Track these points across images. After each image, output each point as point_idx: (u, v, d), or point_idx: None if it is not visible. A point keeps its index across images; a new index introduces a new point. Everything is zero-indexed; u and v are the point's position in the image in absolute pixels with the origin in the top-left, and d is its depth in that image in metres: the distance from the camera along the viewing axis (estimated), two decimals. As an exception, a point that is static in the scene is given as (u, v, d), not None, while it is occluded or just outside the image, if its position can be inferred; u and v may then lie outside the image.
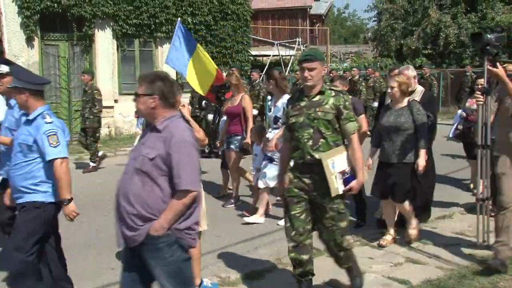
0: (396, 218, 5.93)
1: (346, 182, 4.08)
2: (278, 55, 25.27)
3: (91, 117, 10.30)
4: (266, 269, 5.17)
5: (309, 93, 4.17)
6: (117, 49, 15.69)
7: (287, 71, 21.72)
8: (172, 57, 8.20)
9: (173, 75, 12.29)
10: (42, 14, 14.24)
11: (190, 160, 3.14)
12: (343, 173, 4.06)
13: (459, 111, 8.54)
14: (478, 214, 5.52)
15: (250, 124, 7.26)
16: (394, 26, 24.69)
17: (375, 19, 28.90)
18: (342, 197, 4.12)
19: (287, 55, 25.70)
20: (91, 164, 10.48)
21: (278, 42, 26.51)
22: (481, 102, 4.88)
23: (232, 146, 7.40)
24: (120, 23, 15.37)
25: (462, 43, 23.22)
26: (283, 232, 5.60)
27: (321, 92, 4.16)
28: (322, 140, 4.06)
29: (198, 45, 8.43)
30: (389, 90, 5.66)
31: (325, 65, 16.54)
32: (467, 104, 8.07)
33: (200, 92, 8.28)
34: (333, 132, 4.09)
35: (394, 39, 24.65)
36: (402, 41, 24.41)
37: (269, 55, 25.47)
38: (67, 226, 4.71)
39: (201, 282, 4.62)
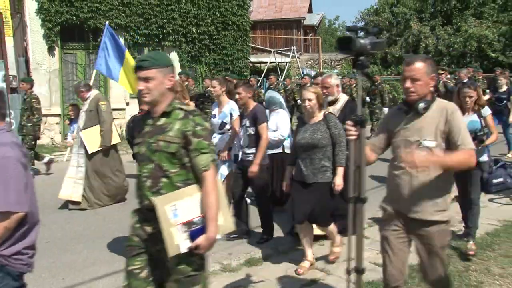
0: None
1: (196, 236, 2.74)
2: (275, 62, 25.27)
3: (29, 125, 9.47)
4: (264, 256, 5.22)
5: (153, 114, 2.84)
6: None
7: (283, 76, 21.74)
8: (101, 62, 7.91)
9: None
10: (62, 26, 14.32)
11: (10, 178, 2.52)
12: (189, 223, 2.73)
13: None
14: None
15: None
16: (379, 36, 24.72)
17: (362, 29, 28.88)
18: (192, 255, 2.76)
19: (282, 62, 25.72)
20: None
21: (275, 50, 26.53)
22: (354, 136, 2.88)
23: None
24: (131, 33, 15.43)
25: (440, 52, 23.27)
26: (278, 223, 5.64)
27: (166, 114, 2.79)
28: (164, 179, 2.75)
29: (127, 51, 8.13)
30: (306, 104, 4.59)
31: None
32: None
33: (135, 93, 7.68)
34: (182, 168, 2.76)
35: (379, 48, 24.69)
36: (386, 50, 24.45)
37: (267, 62, 25.46)
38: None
39: None
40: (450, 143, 2.98)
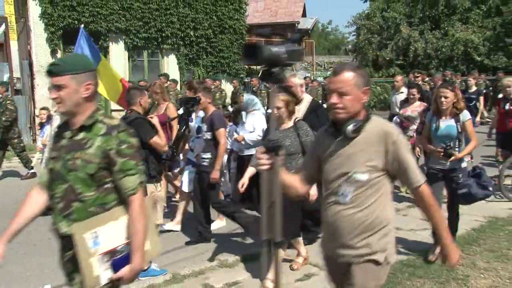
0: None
1: (119, 265, 2.32)
2: (270, 65, 25.32)
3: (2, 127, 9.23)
4: (260, 252, 5.24)
5: (71, 126, 2.40)
6: (128, 59, 15.79)
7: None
8: None
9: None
10: (64, 30, 14.35)
11: None
12: (112, 252, 2.32)
13: (395, 118, 7.89)
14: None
15: (175, 133, 6.05)
16: (370, 39, 24.80)
17: (354, 33, 29.00)
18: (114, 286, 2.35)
19: (277, 65, 25.73)
20: (28, 171, 9.57)
21: (270, 53, 26.53)
22: (266, 166, 2.22)
23: None
24: (131, 37, 15.47)
25: (428, 55, 23.39)
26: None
27: (85, 127, 2.35)
28: (76, 203, 2.31)
29: (103, 56, 7.94)
30: (274, 111, 3.80)
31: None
32: (401, 111, 7.55)
33: (112, 100, 7.63)
34: (100, 191, 2.33)
35: (371, 51, 24.77)
36: (378, 53, 24.54)
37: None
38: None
39: (149, 266, 4.58)
40: (396, 176, 2.42)
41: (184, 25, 16.27)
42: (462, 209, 6.57)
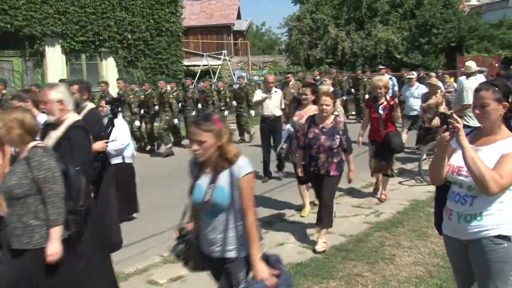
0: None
1: None
2: (207, 65, 25.19)
3: None
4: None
5: None
6: (66, 63, 15.17)
7: (215, 78, 21.71)
8: None
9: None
10: (-3, 34, 13.50)
11: None
12: None
13: (288, 126, 6.26)
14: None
15: None
16: (302, 40, 25.21)
17: (287, 34, 29.37)
18: None
19: (215, 65, 25.68)
20: None
21: (207, 54, 26.41)
22: None
23: None
24: (68, 40, 14.87)
25: (355, 53, 24.15)
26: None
27: None
28: None
29: None
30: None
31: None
32: (294, 118, 5.89)
33: None
34: None
35: (302, 50, 25.18)
36: (309, 52, 24.98)
37: (200, 65, 25.31)
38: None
39: None
40: None
41: (121, 28, 15.85)
42: (391, 194, 6.91)
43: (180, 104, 11.50)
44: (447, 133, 2.48)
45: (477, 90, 2.57)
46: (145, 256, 5.03)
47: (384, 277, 4.22)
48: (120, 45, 15.98)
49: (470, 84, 6.96)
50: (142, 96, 11.25)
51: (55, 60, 14.80)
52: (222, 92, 12.64)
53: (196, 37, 31.30)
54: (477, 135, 2.65)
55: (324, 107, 4.94)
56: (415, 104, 9.14)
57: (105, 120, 5.02)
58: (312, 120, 5.10)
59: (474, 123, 6.96)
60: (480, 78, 7.20)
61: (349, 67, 23.89)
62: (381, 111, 6.26)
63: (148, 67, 16.70)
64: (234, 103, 12.44)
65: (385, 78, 6.92)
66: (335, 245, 5.01)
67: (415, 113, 9.22)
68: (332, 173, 4.94)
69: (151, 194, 7.26)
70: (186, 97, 11.77)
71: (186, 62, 22.46)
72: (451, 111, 7.59)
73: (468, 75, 7.52)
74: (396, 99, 6.45)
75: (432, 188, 2.88)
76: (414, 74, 10.31)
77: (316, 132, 4.98)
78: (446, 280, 4.03)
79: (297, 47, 25.34)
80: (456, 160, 2.62)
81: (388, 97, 6.43)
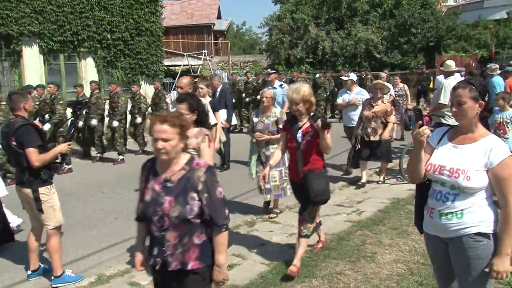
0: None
1: None
2: (188, 65, 25.07)
3: None
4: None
5: None
6: (44, 63, 14.84)
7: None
8: None
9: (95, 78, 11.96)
10: (-29, 33, 13.16)
11: None
12: None
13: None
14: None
15: None
16: (282, 39, 25.29)
17: (267, 33, 29.45)
18: None
19: (195, 64, 25.58)
20: None
21: (188, 53, 26.29)
22: None
23: None
24: (45, 40, 14.55)
25: (335, 53, 24.32)
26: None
27: None
28: None
29: None
30: None
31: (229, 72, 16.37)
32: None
33: None
34: None
35: (283, 50, 25.26)
36: (289, 52, 25.07)
37: (180, 65, 25.18)
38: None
39: (63, 272, 4.43)
40: None
41: (100, 28, 15.61)
42: (372, 192, 6.97)
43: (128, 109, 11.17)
44: (422, 128, 2.51)
45: (454, 89, 2.61)
46: (126, 258, 4.97)
47: (366, 275, 4.25)
48: (99, 45, 15.75)
49: (451, 83, 7.06)
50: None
51: (33, 60, 14.50)
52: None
53: (176, 37, 31.13)
54: (455, 133, 2.69)
55: (159, 144, 2.51)
56: (354, 112, 7.93)
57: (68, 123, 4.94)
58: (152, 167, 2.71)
59: (453, 121, 7.11)
60: (458, 78, 7.31)
61: (329, 67, 24.06)
62: (299, 138, 4.20)
63: (128, 67, 16.50)
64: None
65: (304, 88, 4.23)
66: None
67: (354, 123, 7.75)
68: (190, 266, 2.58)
69: (130, 194, 7.19)
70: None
71: (166, 62, 22.31)
72: (427, 110, 7.72)
73: (447, 74, 7.62)
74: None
75: (413, 186, 2.90)
76: (353, 76, 8.60)
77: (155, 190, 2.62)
78: (427, 277, 4.07)
79: (278, 46, 25.41)
80: (436, 159, 2.65)
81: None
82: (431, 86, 15.99)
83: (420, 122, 2.52)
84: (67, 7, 14.78)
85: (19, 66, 14.30)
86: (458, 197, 2.55)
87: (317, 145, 4.18)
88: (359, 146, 7.34)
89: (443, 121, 7.14)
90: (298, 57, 24.66)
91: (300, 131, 4.23)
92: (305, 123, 4.24)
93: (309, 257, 4.68)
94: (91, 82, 11.12)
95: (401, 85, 11.96)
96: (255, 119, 6.08)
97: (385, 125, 7.24)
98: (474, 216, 2.53)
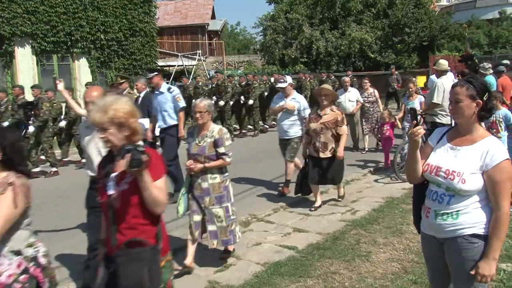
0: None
1: None
2: (182, 65, 25.02)
3: None
4: (179, 248, 5.15)
5: None
6: (37, 64, 14.78)
7: (190, 78, 21.59)
8: None
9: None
10: (-37, 34, 13.09)
11: None
12: None
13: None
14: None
15: None
16: (276, 39, 25.28)
17: (261, 33, 29.43)
18: None
19: (190, 65, 25.52)
20: None
21: (182, 54, 26.23)
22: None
23: None
24: (38, 41, 14.51)
25: (329, 53, 24.34)
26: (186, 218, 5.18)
27: None
28: None
29: None
30: None
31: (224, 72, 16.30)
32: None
33: None
34: None
35: (277, 50, 25.25)
36: (284, 52, 25.05)
37: (175, 65, 25.12)
38: None
39: None
40: None
41: (94, 28, 15.57)
42: (366, 191, 6.97)
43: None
44: (416, 128, 2.51)
45: (453, 87, 2.60)
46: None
47: (360, 274, 4.25)
48: (93, 45, 15.70)
49: (444, 83, 7.09)
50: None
51: (26, 61, 14.42)
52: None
53: (170, 37, 31.10)
54: (454, 134, 2.66)
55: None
56: (290, 121, 6.77)
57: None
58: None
59: (447, 120, 7.16)
60: (451, 77, 7.34)
61: (323, 67, 24.08)
62: (110, 188, 2.47)
63: (122, 68, 16.46)
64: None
65: (119, 104, 2.50)
66: (312, 244, 5.03)
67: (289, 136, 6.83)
68: None
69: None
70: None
71: (160, 63, 22.27)
72: (421, 110, 7.73)
73: (440, 73, 7.65)
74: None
75: (407, 185, 2.91)
76: (287, 82, 6.85)
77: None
78: (421, 275, 4.08)
79: (272, 46, 25.40)
80: (434, 159, 2.64)
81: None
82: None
83: (415, 121, 2.52)
84: (60, 8, 14.73)
85: (12, 67, 14.22)
86: (453, 198, 2.54)
87: (142, 198, 2.46)
88: (308, 167, 6.22)
89: (437, 120, 7.17)
90: (293, 57, 24.65)
91: (113, 176, 2.49)
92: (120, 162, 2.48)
93: (303, 257, 4.68)
94: (14, 87, 10.12)
95: (371, 89, 10.47)
96: (189, 141, 4.56)
97: (336, 137, 6.07)
98: (470, 217, 2.52)
